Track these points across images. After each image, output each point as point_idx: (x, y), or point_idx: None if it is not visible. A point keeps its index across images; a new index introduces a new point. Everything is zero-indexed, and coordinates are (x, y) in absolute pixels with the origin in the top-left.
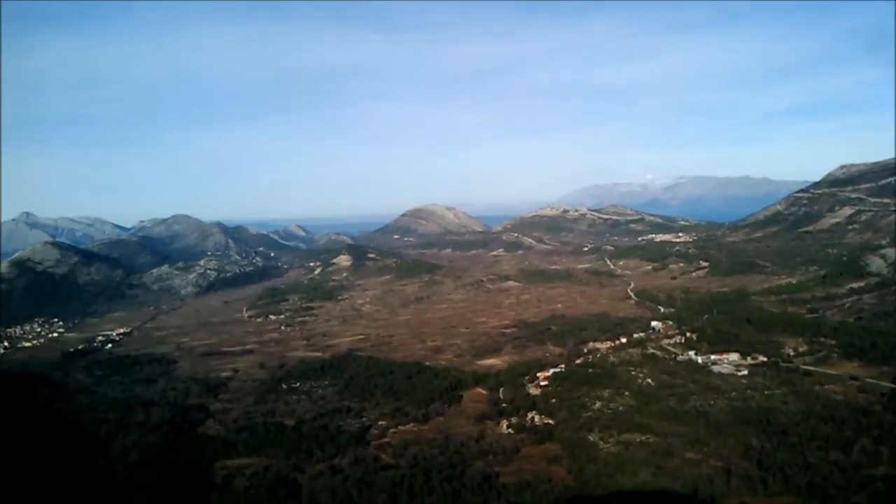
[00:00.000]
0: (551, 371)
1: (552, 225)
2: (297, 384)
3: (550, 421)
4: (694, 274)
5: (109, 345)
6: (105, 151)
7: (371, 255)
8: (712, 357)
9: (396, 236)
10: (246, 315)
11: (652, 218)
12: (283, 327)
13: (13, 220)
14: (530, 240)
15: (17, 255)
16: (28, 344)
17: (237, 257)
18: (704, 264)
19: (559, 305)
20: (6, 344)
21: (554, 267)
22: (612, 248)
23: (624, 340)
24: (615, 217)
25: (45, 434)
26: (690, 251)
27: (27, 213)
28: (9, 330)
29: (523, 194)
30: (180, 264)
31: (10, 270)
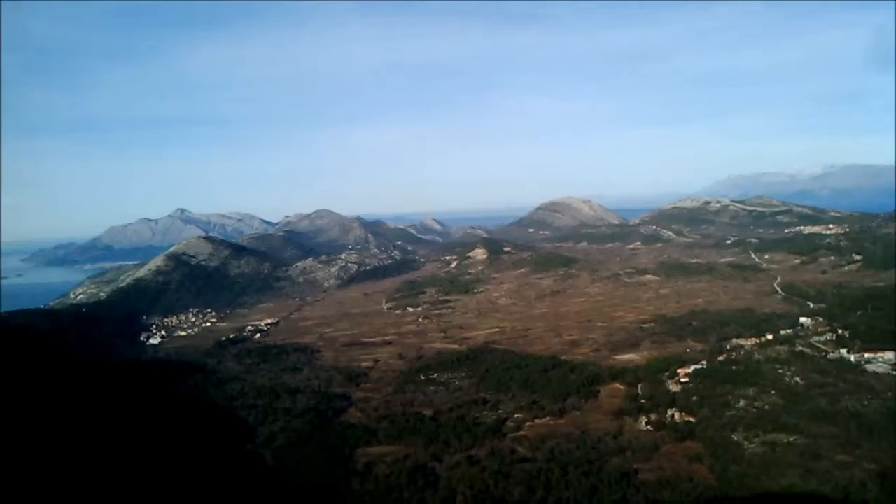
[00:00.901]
0: (692, 367)
1: (692, 217)
2: (435, 375)
3: (691, 419)
4: (846, 268)
5: (258, 334)
6: (253, 151)
7: (506, 249)
8: (866, 355)
9: (531, 230)
10: (385, 307)
11: (800, 209)
12: (420, 319)
13: (169, 216)
14: (669, 232)
15: (173, 248)
16: (183, 333)
17: (376, 251)
18: (858, 258)
19: (700, 300)
20: (164, 333)
21: (694, 260)
22: (756, 240)
23: (770, 337)
24: (760, 208)
25: (200, 418)
26: (842, 244)
27: (182, 210)
28: (166, 319)
29: (661, 186)
30: (323, 257)
31: (166, 263)
